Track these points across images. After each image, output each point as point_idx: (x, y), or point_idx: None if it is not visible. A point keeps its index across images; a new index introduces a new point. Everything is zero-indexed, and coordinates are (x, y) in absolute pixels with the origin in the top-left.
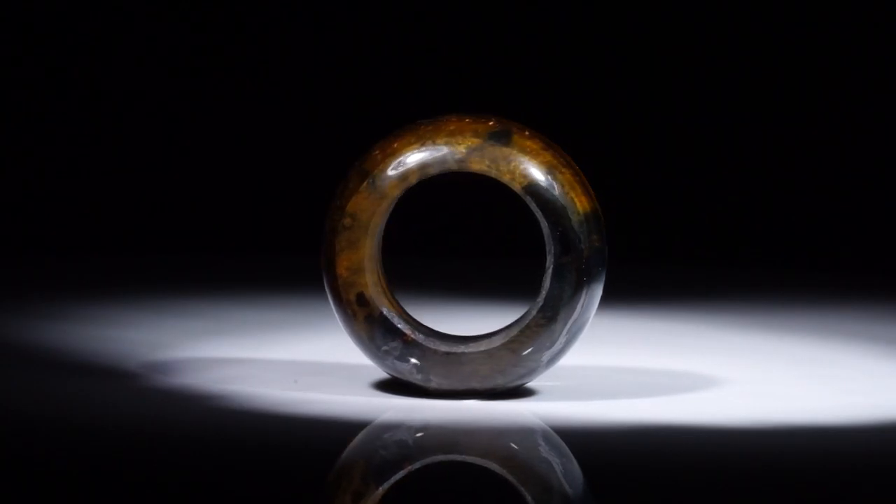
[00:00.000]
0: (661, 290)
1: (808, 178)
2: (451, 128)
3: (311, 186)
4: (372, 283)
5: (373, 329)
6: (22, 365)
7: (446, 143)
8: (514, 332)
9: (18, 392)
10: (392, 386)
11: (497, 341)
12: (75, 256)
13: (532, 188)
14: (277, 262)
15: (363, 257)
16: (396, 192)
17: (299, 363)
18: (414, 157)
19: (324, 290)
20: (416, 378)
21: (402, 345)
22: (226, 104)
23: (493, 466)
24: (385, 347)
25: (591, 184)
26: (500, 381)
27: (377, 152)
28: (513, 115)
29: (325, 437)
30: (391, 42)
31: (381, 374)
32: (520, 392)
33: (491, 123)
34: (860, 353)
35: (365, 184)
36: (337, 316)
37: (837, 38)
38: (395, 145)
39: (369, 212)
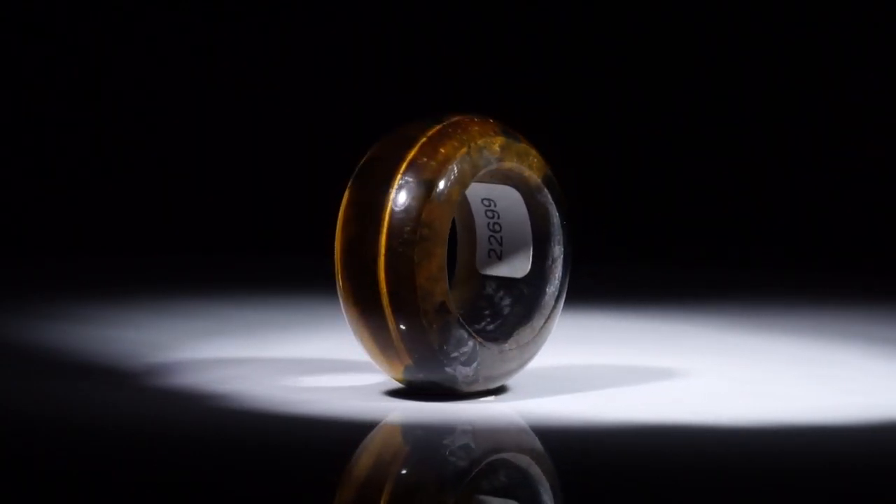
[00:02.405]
0: (660, 290)
1: (808, 178)
2: (476, 128)
3: (310, 187)
4: (446, 291)
5: (448, 336)
6: (22, 365)
7: (484, 145)
8: (540, 322)
9: (18, 392)
10: (392, 386)
11: (527, 335)
12: (76, 257)
13: (549, 180)
14: (278, 263)
15: (439, 266)
16: (457, 197)
17: (300, 363)
18: (464, 161)
19: (324, 290)
20: (464, 382)
21: (472, 349)
22: (227, 105)
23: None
24: (455, 354)
25: (594, 184)
26: (515, 371)
27: (425, 159)
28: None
29: (325, 437)
30: (376, 46)
31: (380, 373)
32: (518, 393)
33: (492, 121)
34: (860, 353)
35: (433, 193)
36: (398, 328)
37: (837, 37)
38: (442, 150)
39: (441, 220)
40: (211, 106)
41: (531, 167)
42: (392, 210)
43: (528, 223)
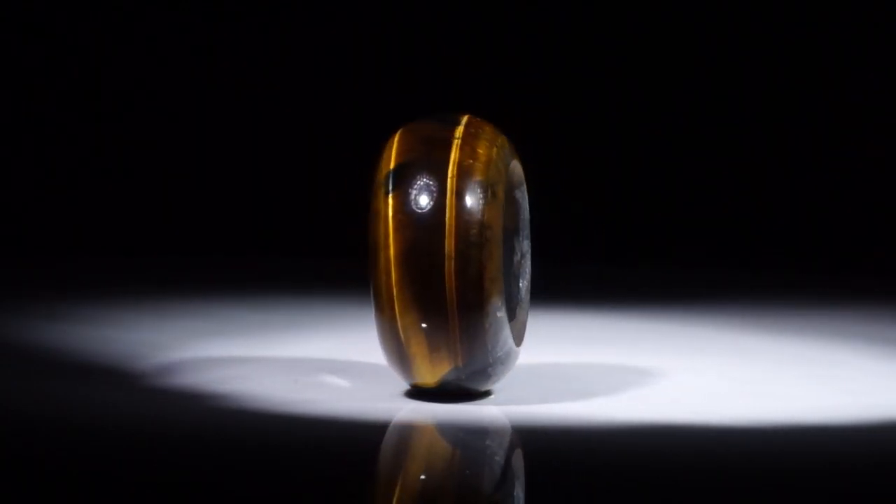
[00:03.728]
0: (660, 290)
1: (808, 178)
2: (487, 127)
3: (310, 188)
4: (502, 291)
5: (497, 337)
6: (22, 365)
7: (501, 144)
8: (523, 316)
9: (18, 392)
10: (390, 386)
11: (521, 330)
12: (76, 257)
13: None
14: (278, 263)
15: (497, 268)
16: (502, 197)
17: (300, 363)
18: (499, 160)
19: (324, 290)
20: (490, 381)
21: (507, 350)
22: (228, 106)
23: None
24: (499, 353)
25: (585, 183)
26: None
27: (469, 161)
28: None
29: (326, 437)
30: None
31: (379, 373)
32: (516, 393)
33: (487, 122)
34: (860, 353)
35: (488, 194)
36: (461, 330)
37: (836, 37)
38: (480, 151)
39: (497, 220)
40: (211, 107)
41: (519, 162)
42: (456, 214)
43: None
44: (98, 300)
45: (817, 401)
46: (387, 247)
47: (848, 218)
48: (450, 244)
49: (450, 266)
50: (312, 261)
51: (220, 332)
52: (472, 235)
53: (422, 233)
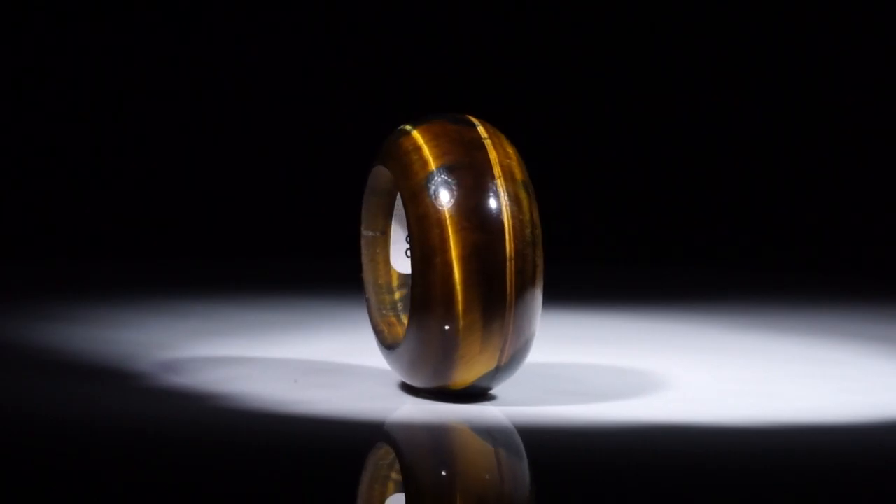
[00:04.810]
0: (660, 291)
1: (808, 178)
2: (493, 127)
3: (310, 189)
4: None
5: (533, 339)
6: (23, 365)
7: (509, 143)
8: None
9: (19, 392)
10: (392, 386)
11: None
12: (76, 258)
13: None
14: (278, 264)
15: (543, 267)
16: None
17: (300, 364)
18: (520, 158)
19: (324, 291)
20: (501, 382)
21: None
22: (228, 107)
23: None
24: (528, 354)
25: (593, 184)
26: None
27: (507, 160)
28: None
29: (326, 436)
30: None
31: (379, 374)
32: (515, 394)
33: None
34: (860, 353)
35: (530, 193)
36: (515, 330)
37: (836, 36)
38: (509, 150)
39: (539, 219)
40: (211, 108)
41: None
42: (511, 214)
43: None
44: (98, 300)
45: (817, 400)
46: (445, 250)
47: (847, 218)
48: (510, 245)
49: (510, 266)
50: (312, 261)
51: (220, 332)
52: (527, 235)
53: (483, 234)
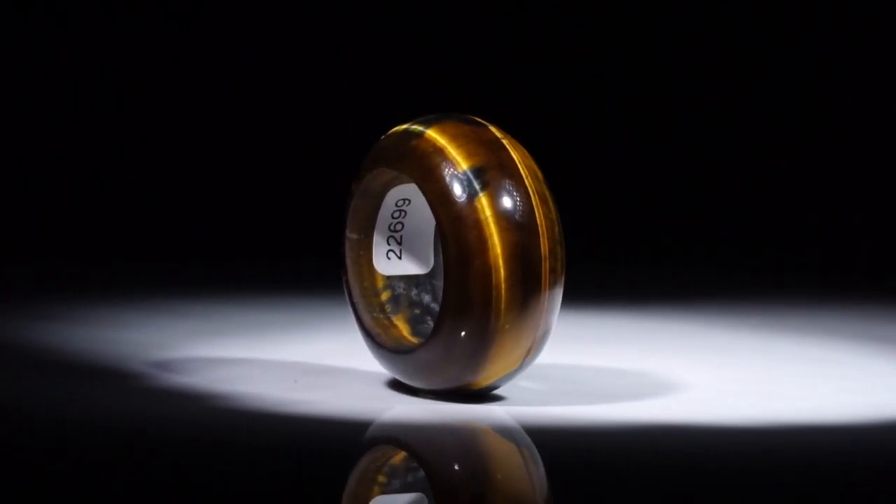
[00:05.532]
0: (660, 291)
1: (807, 178)
2: (501, 129)
3: (310, 189)
4: None
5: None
6: (23, 365)
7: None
8: None
9: (19, 392)
10: (393, 385)
11: None
12: (76, 258)
13: None
14: (277, 264)
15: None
16: None
17: (299, 364)
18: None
19: (323, 291)
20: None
21: None
22: (227, 108)
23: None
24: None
25: (593, 184)
26: None
27: (528, 161)
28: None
29: (325, 436)
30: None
31: (378, 374)
32: (516, 394)
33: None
34: (860, 353)
35: (550, 193)
36: (545, 327)
37: (835, 36)
38: (524, 150)
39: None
40: (211, 108)
41: None
42: (543, 213)
43: (433, 219)
44: (98, 300)
45: (818, 400)
46: (485, 250)
47: (847, 218)
48: (544, 244)
49: (545, 266)
50: (311, 262)
51: (219, 332)
52: (556, 233)
53: (521, 234)
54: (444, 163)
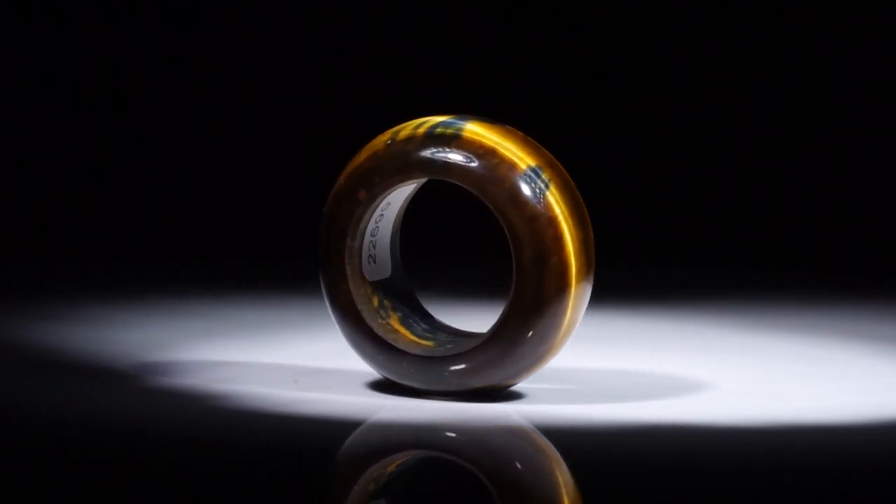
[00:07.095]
0: (660, 291)
1: (808, 178)
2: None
3: (311, 189)
4: None
5: None
6: (23, 365)
7: None
8: None
9: (19, 392)
10: (388, 386)
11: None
12: (76, 258)
13: None
14: (277, 265)
15: None
16: None
17: (299, 364)
18: None
19: (321, 292)
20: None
21: None
22: (227, 108)
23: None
24: None
25: (588, 183)
26: None
27: (552, 158)
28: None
29: (325, 436)
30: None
31: (377, 374)
32: (525, 394)
33: None
34: (860, 353)
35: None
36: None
37: (835, 36)
38: (540, 150)
39: None
40: (211, 108)
41: None
42: (586, 209)
43: (398, 222)
44: (98, 300)
45: (819, 400)
46: (560, 248)
47: (847, 218)
48: (593, 238)
49: (594, 260)
50: (312, 261)
51: (219, 333)
52: (590, 228)
53: (582, 230)
54: (501, 165)
